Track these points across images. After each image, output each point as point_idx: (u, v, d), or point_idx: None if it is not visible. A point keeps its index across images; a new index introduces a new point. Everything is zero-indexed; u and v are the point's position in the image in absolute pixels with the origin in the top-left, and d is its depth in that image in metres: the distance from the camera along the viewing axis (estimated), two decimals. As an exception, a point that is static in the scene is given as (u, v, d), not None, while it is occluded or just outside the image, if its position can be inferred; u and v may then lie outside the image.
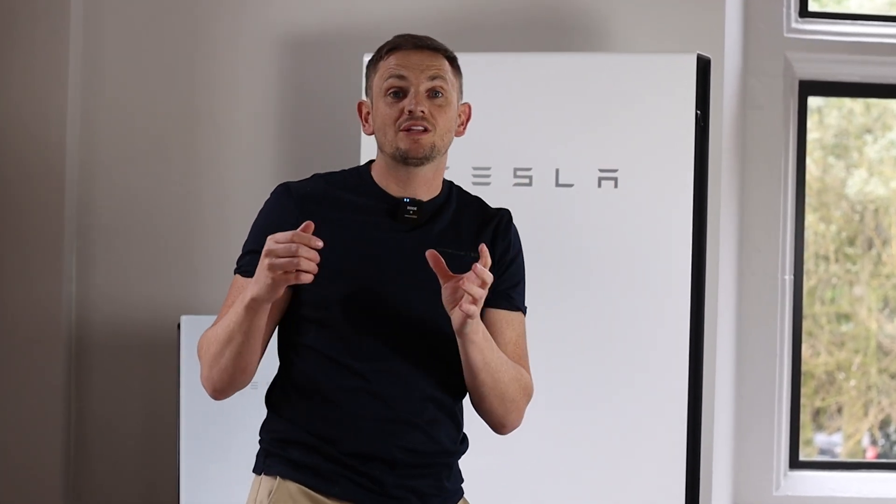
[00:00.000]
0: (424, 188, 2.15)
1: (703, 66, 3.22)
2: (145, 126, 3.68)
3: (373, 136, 2.17)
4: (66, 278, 3.61)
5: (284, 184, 2.17)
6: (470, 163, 3.21)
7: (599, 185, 3.21)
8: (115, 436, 3.64)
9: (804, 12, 3.99)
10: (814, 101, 4.13)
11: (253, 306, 1.98)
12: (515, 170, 3.23)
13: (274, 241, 1.93)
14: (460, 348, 2.04)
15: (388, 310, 2.07)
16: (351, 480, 2.06)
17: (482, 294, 1.96)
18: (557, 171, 3.23)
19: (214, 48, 3.70)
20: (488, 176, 3.22)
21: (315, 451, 2.06)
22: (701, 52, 3.23)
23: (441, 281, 1.98)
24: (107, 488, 3.65)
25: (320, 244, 1.92)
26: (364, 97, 2.20)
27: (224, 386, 2.08)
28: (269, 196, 2.17)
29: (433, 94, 2.11)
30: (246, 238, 2.16)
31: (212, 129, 3.70)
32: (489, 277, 1.96)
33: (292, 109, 3.69)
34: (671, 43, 3.64)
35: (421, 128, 2.09)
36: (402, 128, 2.09)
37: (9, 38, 3.59)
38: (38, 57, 3.60)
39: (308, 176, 2.20)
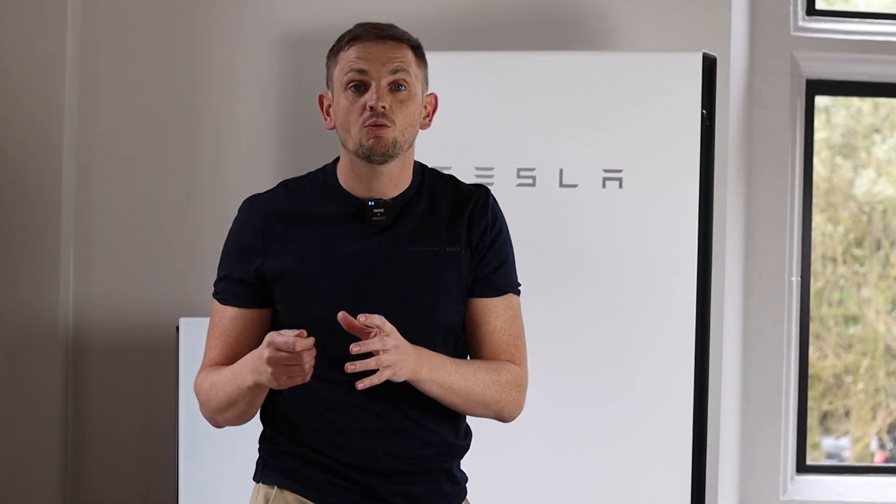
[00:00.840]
0: (391, 185, 2.08)
1: (709, 65, 3.21)
2: (144, 126, 3.67)
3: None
4: (63, 280, 3.59)
5: (248, 200, 2.12)
6: (472, 163, 3.20)
7: (604, 186, 3.20)
8: (112, 439, 3.63)
9: (811, 10, 3.97)
10: (821, 101, 4.12)
11: (256, 390, 2.00)
12: (519, 170, 3.22)
13: (274, 349, 1.91)
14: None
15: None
16: (347, 490, 2.05)
17: (396, 360, 1.93)
18: (561, 171, 3.21)
19: (214, 46, 3.69)
20: (491, 176, 3.21)
21: (310, 461, 2.06)
22: (707, 51, 3.23)
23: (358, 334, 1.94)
24: (104, 492, 3.64)
25: (312, 342, 1.91)
26: (326, 91, 2.13)
27: (227, 426, 2.14)
28: (237, 216, 2.13)
29: (395, 87, 2.05)
30: (220, 262, 2.13)
31: (211, 129, 3.68)
32: (376, 345, 1.92)
33: (293, 109, 3.68)
34: (677, 42, 3.63)
35: (381, 124, 2.02)
36: (364, 124, 2.02)
37: (4, 36, 3.57)
38: (35, 56, 3.58)
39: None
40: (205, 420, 3.18)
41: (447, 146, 3.08)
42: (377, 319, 1.92)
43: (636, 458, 3.16)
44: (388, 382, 1.99)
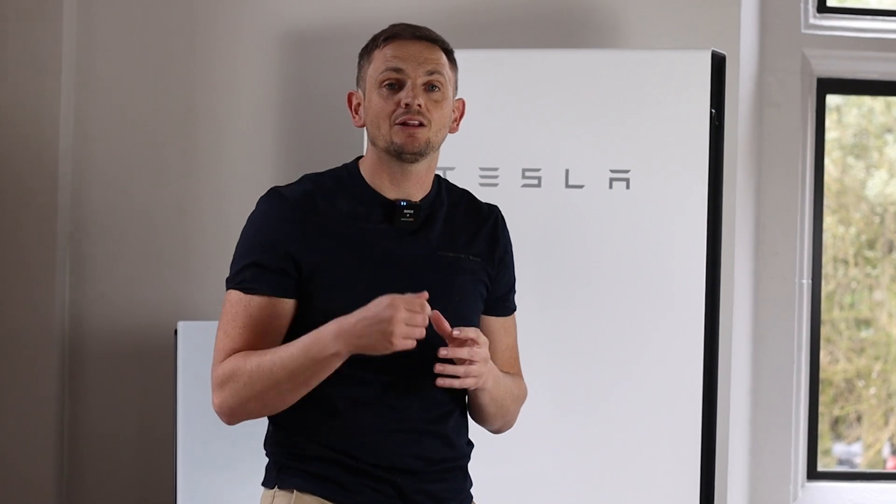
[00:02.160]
0: (418, 186, 2.12)
1: (718, 63, 3.19)
2: (141, 126, 3.64)
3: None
4: (59, 283, 3.56)
5: (276, 190, 2.10)
6: (477, 163, 3.19)
7: (611, 187, 3.18)
8: (110, 445, 3.61)
9: (822, 7, 3.96)
10: (832, 100, 4.11)
11: (334, 361, 1.97)
12: (524, 170, 3.20)
13: (406, 311, 1.92)
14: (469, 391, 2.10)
15: None
16: (373, 489, 2.05)
17: (483, 371, 2.01)
18: (567, 171, 3.19)
19: (213, 44, 3.66)
20: (496, 177, 3.19)
21: (333, 463, 2.04)
22: (716, 49, 3.20)
23: (446, 339, 2.00)
24: (102, 499, 3.61)
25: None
26: (355, 87, 2.15)
27: (250, 418, 2.05)
28: (262, 206, 2.09)
29: (430, 87, 2.08)
30: (238, 248, 2.09)
31: (210, 129, 3.66)
32: (465, 354, 1.99)
33: (294, 108, 3.65)
34: (685, 39, 3.61)
35: (416, 122, 2.05)
36: (397, 121, 2.05)
37: None
38: (30, 53, 3.56)
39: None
40: (203, 427, 3.18)
41: (450, 146, 2.99)
42: (472, 332, 1.98)
43: (644, 464, 3.14)
44: (415, 383, 2.04)
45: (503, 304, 2.19)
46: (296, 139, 3.65)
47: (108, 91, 3.63)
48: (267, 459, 2.12)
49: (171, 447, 3.27)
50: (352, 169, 2.13)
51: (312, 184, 2.10)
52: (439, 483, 2.09)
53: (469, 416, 2.17)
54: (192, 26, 3.65)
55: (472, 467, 2.18)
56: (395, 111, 2.05)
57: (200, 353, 3.16)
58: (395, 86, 2.06)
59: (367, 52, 2.12)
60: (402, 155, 2.06)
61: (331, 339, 1.95)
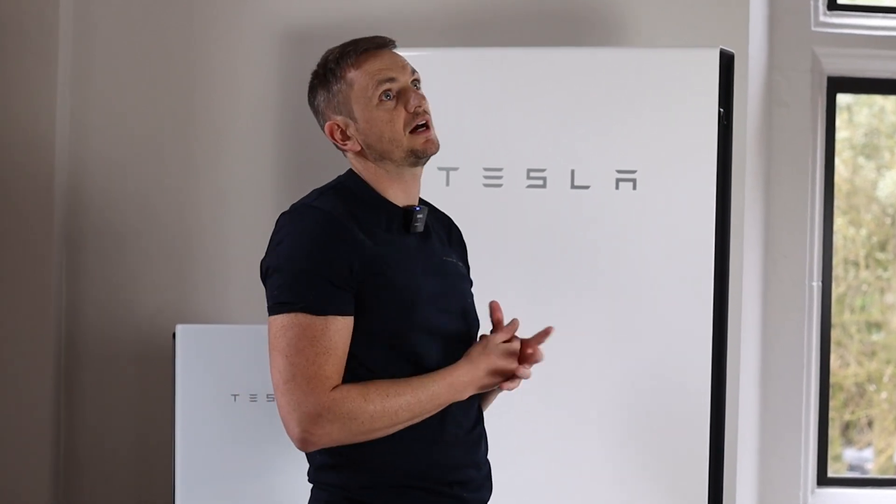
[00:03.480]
0: (418, 190, 2.13)
1: (727, 62, 3.17)
2: (138, 126, 3.63)
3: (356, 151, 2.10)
4: (55, 286, 3.55)
5: (316, 207, 2.03)
6: (481, 164, 3.17)
7: (617, 187, 3.16)
8: (107, 451, 3.60)
9: (832, 5, 3.95)
10: (843, 99, 4.09)
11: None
12: (529, 171, 3.18)
13: (511, 354, 2.03)
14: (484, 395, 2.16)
15: (447, 328, 2.06)
16: None
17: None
18: (573, 171, 3.17)
19: (211, 43, 3.65)
20: (500, 178, 3.18)
21: (413, 489, 2.03)
22: (724, 47, 3.19)
23: (499, 332, 2.09)
24: (99, 504, 3.62)
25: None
26: (332, 118, 2.08)
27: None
28: (306, 222, 2.02)
29: (415, 85, 2.09)
30: (292, 268, 2.00)
31: (208, 130, 3.64)
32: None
33: (294, 108, 3.63)
34: (693, 37, 3.59)
35: (424, 123, 2.06)
36: (412, 129, 2.05)
37: (-5, 33, 3.53)
38: (26, 53, 3.54)
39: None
40: (202, 432, 3.14)
41: (454, 147, 3.03)
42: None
43: (652, 470, 3.13)
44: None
45: None
46: (296, 139, 3.62)
47: (105, 91, 3.62)
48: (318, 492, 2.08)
49: (170, 452, 3.24)
50: (355, 183, 2.09)
51: (337, 197, 2.05)
52: (487, 487, 2.12)
53: None
54: (192, 26, 3.64)
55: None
56: (408, 120, 2.04)
57: (199, 357, 3.14)
58: (390, 96, 2.04)
59: (334, 78, 2.07)
60: (421, 160, 2.07)
61: (464, 382, 2.02)
